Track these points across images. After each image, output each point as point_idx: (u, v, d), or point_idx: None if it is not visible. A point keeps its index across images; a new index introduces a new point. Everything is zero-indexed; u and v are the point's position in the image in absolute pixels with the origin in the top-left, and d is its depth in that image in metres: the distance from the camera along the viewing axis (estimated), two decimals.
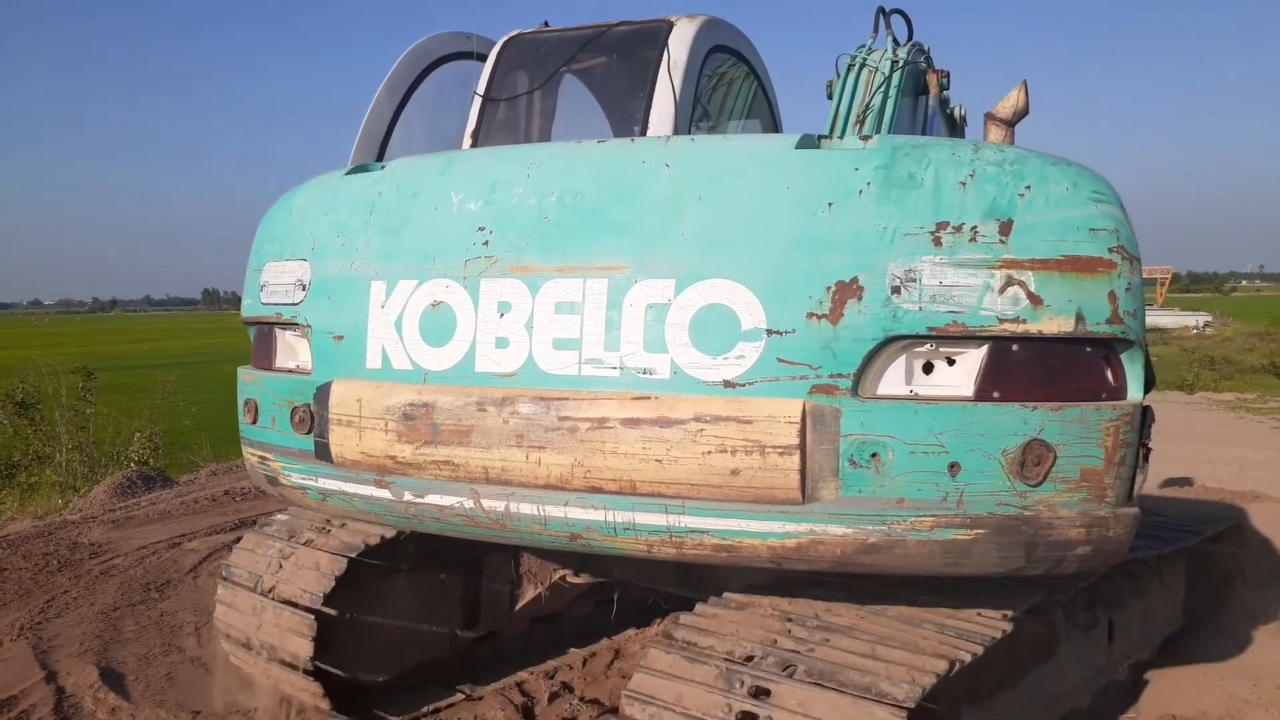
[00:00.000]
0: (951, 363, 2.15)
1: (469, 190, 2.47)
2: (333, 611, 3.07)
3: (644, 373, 2.20)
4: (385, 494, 2.55)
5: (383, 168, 2.76)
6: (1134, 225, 2.17)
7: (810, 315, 2.12)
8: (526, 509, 2.32)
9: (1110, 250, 2.08)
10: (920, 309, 2.08)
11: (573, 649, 4.03)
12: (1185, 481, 8.07)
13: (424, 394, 2.43)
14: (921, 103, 4.51)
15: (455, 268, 2.41)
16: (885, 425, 2.07)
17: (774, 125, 4.71)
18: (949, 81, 4.58)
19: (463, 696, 3.61)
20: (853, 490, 2.09)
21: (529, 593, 3.82)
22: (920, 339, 2.10)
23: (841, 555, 2.12)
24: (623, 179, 2.34)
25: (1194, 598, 4.52)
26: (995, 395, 2.08)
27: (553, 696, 3.67)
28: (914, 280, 2.07)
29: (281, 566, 3.23)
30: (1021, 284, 2.05)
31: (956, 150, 2.17)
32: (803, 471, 2.10)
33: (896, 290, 2.08)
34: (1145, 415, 2.16)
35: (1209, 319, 37.54)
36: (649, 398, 2.19)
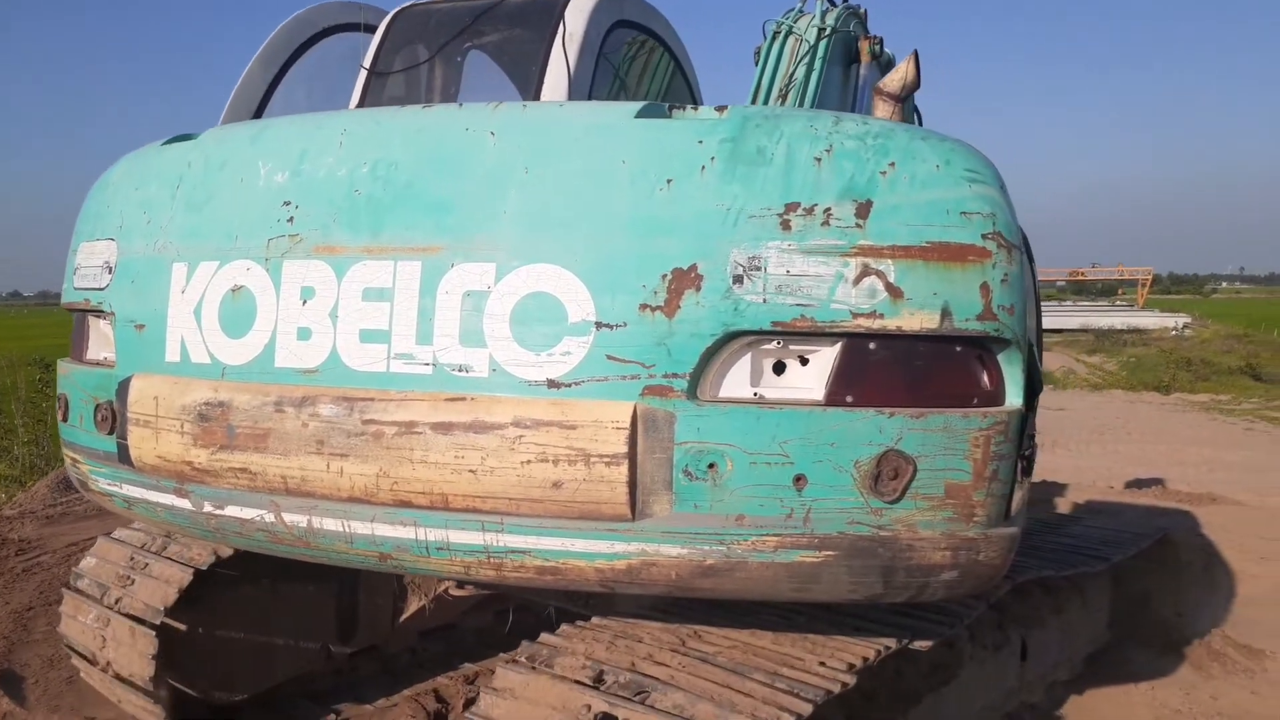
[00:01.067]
0: (804, 363, 1.91)
1: (276, 160, 2.19)
2: (182, 626, 2.83)
3: (459, 370, 1.95)
4: (186, 504, 2.29)
5: (196, 137, 2.47)
6: (1014, 208, 1.96)
7: (643, 307, 1.87)
8: (330, 525, 2.06)
9: (984, 237, 1.86)
10: (764, 301, 1.84)
11: (466, 664, 3.81)
12: (1152, 483, 8.18)
13: (220, 392, 2.17)
14: (853, 72, 4.28)
15: (257, 248, 2.14)
16: (724, 432, 1.84)
17: (696, 101, 4.51)
18: (881, 48, 4.33)
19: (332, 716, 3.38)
20: (688, 505, 1.85)
21: (413, 605, 3.61)
22: (767, 335, 1.86)
23: (677, 579, 1.89)
24: (443, 149, 2.08)
25: (1122, 610, 4.37)
26: (848, 400, 1.85)
27: (438, 716, 3.45)
28: (758, 269, 1.83)
29: (129, 576, 3.00)
30: (880, 274, 1.82)
31: (815, 122, 1.94)
32: (632, 484, 1.86)
33: (739, 280, 1.84)
34: (1024, 424, 1.94)
35: (1188, 321, 37.83)
36: (464, 399, 1.94)
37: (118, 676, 2.89)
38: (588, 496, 1.87)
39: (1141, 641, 4.39)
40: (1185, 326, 36.38)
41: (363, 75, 3.48)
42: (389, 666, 3.76)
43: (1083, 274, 56.28)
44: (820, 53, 4.01)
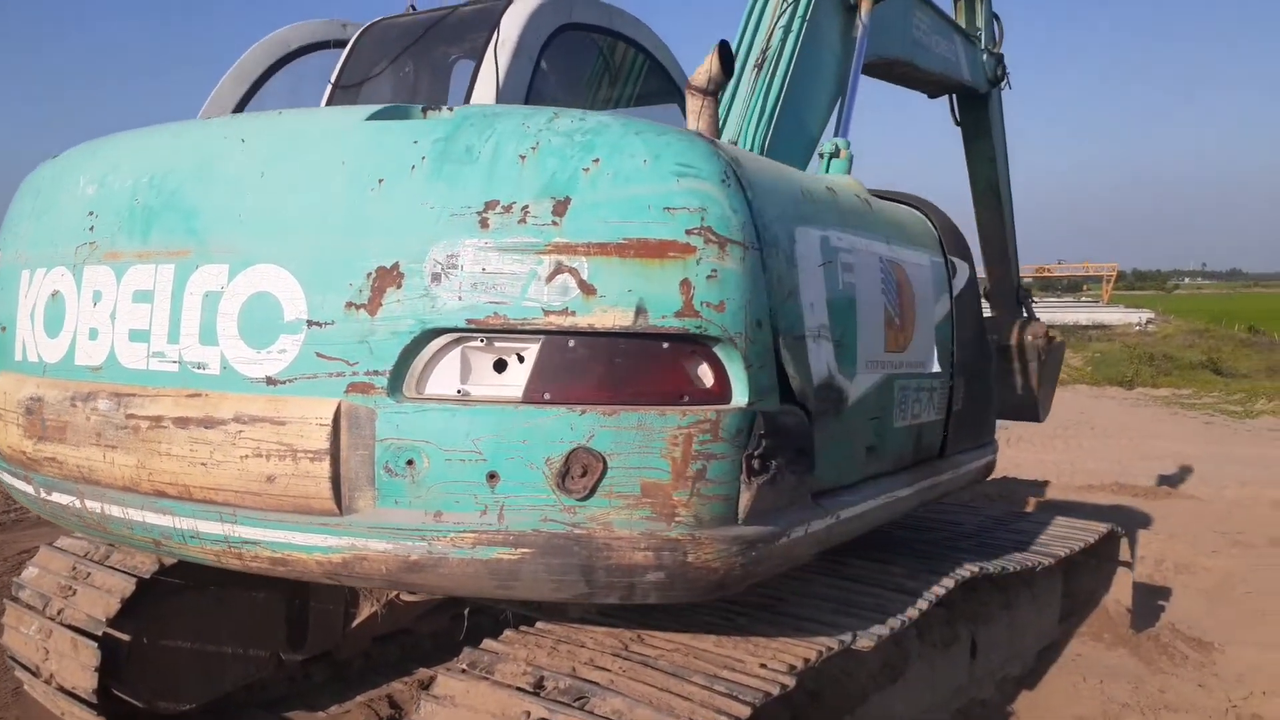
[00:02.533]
0: (515, 361, 1.93)
1: (91, 174, 2.37)
2: (125, 637, 2.82)
3: (198, 368, 2.06)
4: (30, 489, 2.50)
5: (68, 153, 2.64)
6: (749, 204, 1.92)
7: (349, 305, 1.90)
8: (116, 512, 2.22)
9: (689, 232, 1.83)
10: (460, 299, 1.84)
11: (421, 669, 3.77)
12: (1111, 479, 8.16)
13: (40, 388, 2.36)
14: (854, 27, 4.07)
15: (69, 255, 2.32)
16: (422, 429, 1.88)
17: (682, 100, 4.45)
18: None
19: None
20: (389, 501, 1.90)
21: (364, 610, 3.58)
22: (469, 333, 1.89)
23: (388, 573, 1.94)
24: (203, 157, 2.20)
25: (1072, 606, 4.43)
26: (545, 397, 1.86)
27: None
28: (455, 266, 1.85)
29: (70, 586, 2.99)
30: (573, 271, 1.81)
31: (529, 120, 1.96)
32: (336, 480, 1.92)
33: (436, 278, 1.85)
34: (756, 423, 1.91)
35: (1151, 316, 38.22)
36: (200, 395, 2.04)
37: (61, 689, 2.92)
38: (298, 491, 1.94)
39: (1093, 636, 4.37)
40: (1149, 322, 36.75)
41: (328, 91, 3.55)
42: (342, 672, 3.81)
43: (1049, 270, 56.88)
44: (801, 12, 3.80)
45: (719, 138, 2.41)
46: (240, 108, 3.76)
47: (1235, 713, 3.80)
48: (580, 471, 1.79)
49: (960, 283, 3.10)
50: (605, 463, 1.79)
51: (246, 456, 1.96)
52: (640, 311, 1.81)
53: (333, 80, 3.70)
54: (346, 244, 1.93)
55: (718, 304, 1.84)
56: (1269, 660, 4.29)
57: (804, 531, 2.09)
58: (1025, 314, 6.18)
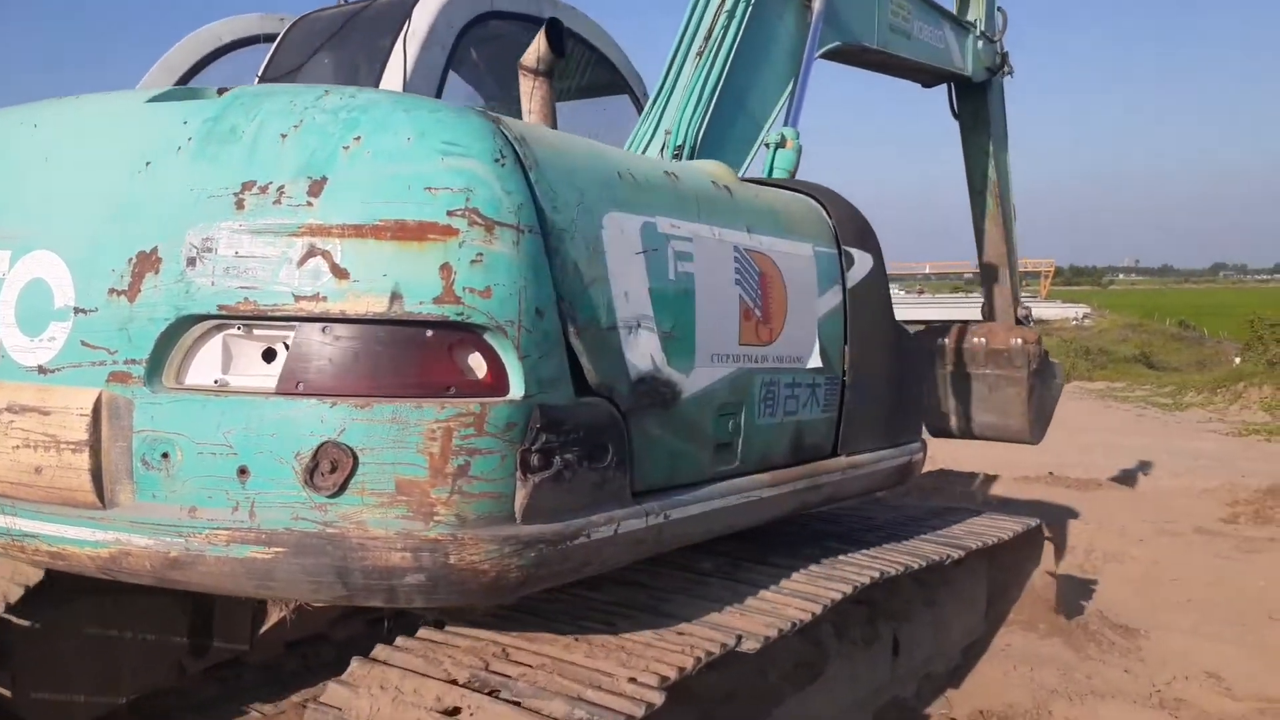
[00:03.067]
0: (273, 350, 1.87)
1: None
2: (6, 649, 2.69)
3: None
4: None
5: None
6: (530, 186, 1.83)
7: (112, 291, 1.85)
8: None
9: (452, 214, 1.74)
10: (213, 284, 1.77)
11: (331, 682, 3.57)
12: (1045, 470, 8.29)
13: None
14: (808, 13, 4.02)
15: None
16: (176, 421, 1.81)
17: (631, 92, 4.36)
18: None
19: None
20: (147, 495, 1.84)
21: (273, 615, 3.41)
22: (225, 320, 1.82)
23: (153, 569, 1.86)
24: (5, 143, 2.16)
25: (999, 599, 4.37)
26: (299, 388, 1.77)
27: None
28: (210, 250, 1.78)
29: None
30: (326, 254, 1.73)
31: (298, 98, 1.88)
32: (96, 472, 1.86)
33: (192, 262, 1.78)
34: (533, 416, 1.80)
35: (1087, 311, 39.17)
36: None
37: None
38: (64, 483, 1.89)
39: (1024, 626, 4.33)
40: (1085, 316, 37.73)
41: (254, 85, 3.54)
42: (277, 674, 3.67)
43: None
44: None
45: (553, 120, 2.32)
46: None
47: (1159, 697, 3.89)
48: (329, 467, 1.70)
49: (859, 275, 2.98)
50: (356, 458, 1.70)
51: (18, 447, 1.92)
52: (396, 297, 1.72)
53: (259, 74, 3.70)
54: (114, 229, 1.88)
55: (483, 290, 1.74)
56: (1193, 646, 4.40)
57: (613, 531, 1.98)
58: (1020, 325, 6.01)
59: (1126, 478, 8.61)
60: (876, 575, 2.82)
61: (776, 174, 3.77)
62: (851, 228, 3.01)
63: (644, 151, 3.70)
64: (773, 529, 3.14)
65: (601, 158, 2.10)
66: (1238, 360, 19.65)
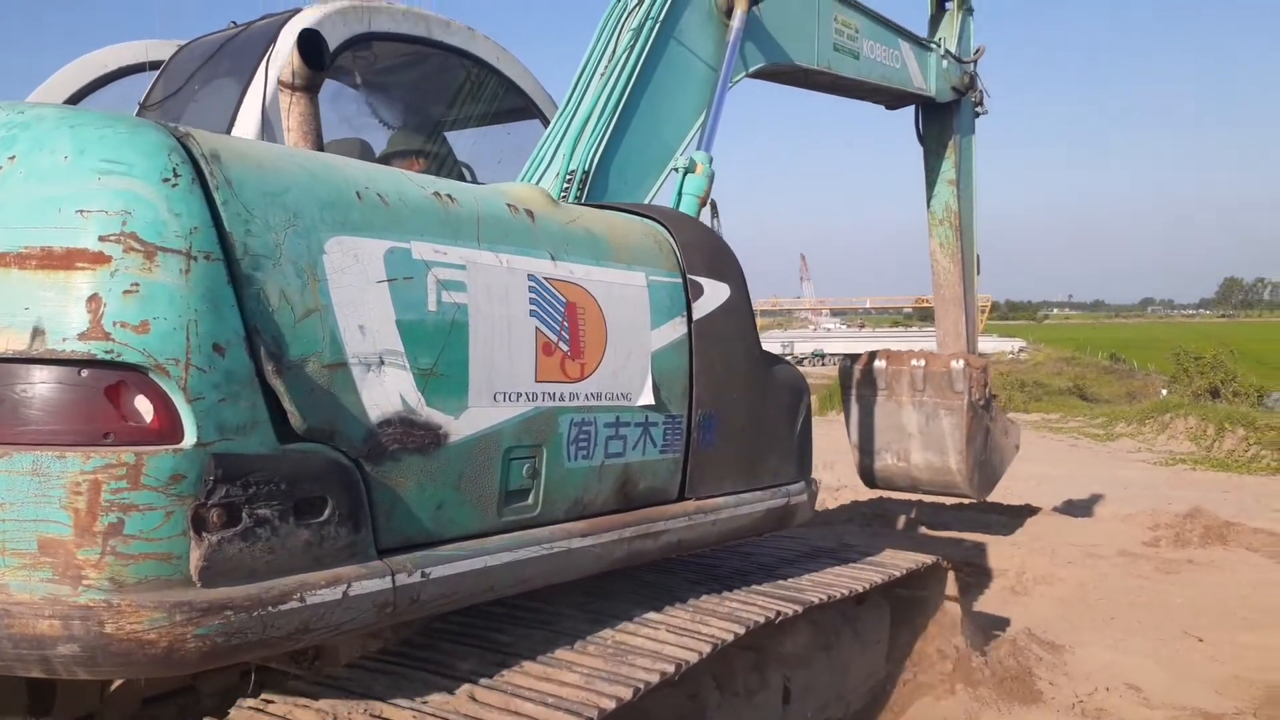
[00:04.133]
0: None
1: None
2: None
3: None
4: None
5: None
6: (212, 208, 1.63)
7: None
8: None
9: (104, 239, 1.53)
10: None
11: None
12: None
13: None
14: (730, 27, 3.83)
15: None
16: None
17: (542, 116, 4.13)
18: None
19: None
20: None
21: None
22: None
23: None
24: None
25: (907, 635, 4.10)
26: None
27: None
28: None
29: None
30: None
31: None
32: None
33: None
34: (208, 467, 1.57)
35: (1023, 345, 40.04)
36: None
37: None
38: None
39: (942, 654, 4.10)
40: (1021, 350, 38.56)
41: (135, 112, 3.51)
42: None
43: (926, 300, 59.91)
44: (652, 12, 3.57)
45: (315, 137, 2.08)
46: None
47: (1081, 708, 4.07)
48: None
49: (710, 305, 2.73)
50: None
51: None
52: (38, 333, 1.52)
53: (141, 100, 3.61)
54: None
55: (138, 324, 1.53)
56: (1114, 659, 4.62)
57: (341, 593, 1.74)
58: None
59: (1058, 505, 8.78)
60: (737, 632, 2.54)
61: (685, 200, 3.62)
62: (701, 255, 2.77)
63: (539, 178, 3.51)
64: (644, 573, 2.89)
65: (333, 177, 1.87)
66: (1164, 392, 20.08)
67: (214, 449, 1.56)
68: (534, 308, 2.16)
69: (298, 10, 3.43)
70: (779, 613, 2.72)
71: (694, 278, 2.70)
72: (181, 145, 1.62)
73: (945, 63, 5.93)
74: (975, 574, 6.16)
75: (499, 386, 2.06)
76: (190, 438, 1.55)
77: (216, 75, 3.61)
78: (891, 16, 5.34)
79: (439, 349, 1.92)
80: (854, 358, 6.04)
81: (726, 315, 2.78)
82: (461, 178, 4.36)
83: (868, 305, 65.24)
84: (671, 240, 2.72)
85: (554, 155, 3.52)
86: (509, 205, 2.22)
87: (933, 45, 5.86)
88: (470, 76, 4.09)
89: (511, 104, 4.24)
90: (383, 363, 1.82)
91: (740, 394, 2.83)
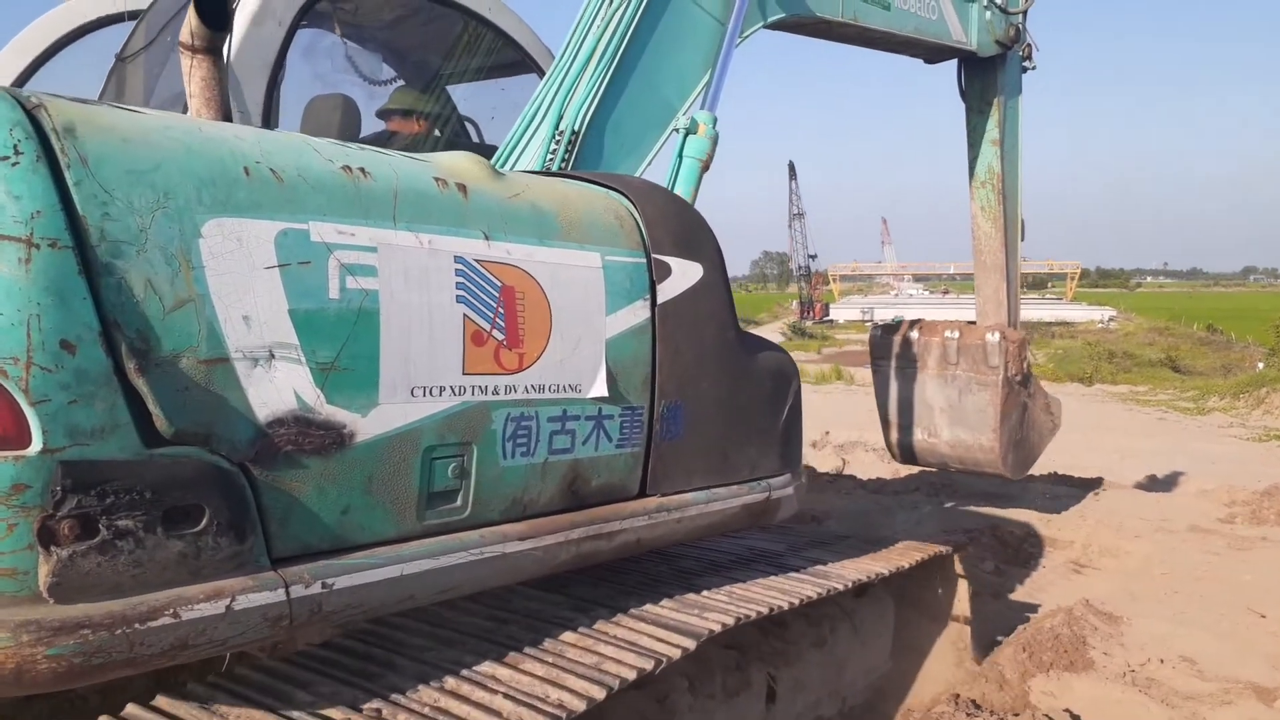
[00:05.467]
0: None
1: None
2: None
3: None
4: None
5: None
6: (59, 188, 1.48)
7: None
8: None
9: None
10: None
11: None
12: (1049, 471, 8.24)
13: None
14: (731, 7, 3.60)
15: None
16: None
17: (540, 70, 4.00)
18: None
19: None
20: None
21: None
22: None
23: None
24: None
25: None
26: None
27: None
28: None
29: None
30: None
31: None
32: None
33: None
34: (55, 475, 1.44)
35: (1114, 314, 38.31)
36: None
37: None
38: None
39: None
40: (1111, 319, 36.87)
41: (112, 64, 3.42)
42: None
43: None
44: None
45: (220, 104, 1.95)
46: (26, 76, 3.52)
47: (1132, 677, 4.06)
48: None
49: (679, 287, 2.53)
50: None
51: None
52: None
53: (118, 53, 3.51)
54: None
55: None
56: (1171, 632, 4.55)
57: (224, 607, 1.61)
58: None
59: (1132, 478, 8.56)
60: (699, 636, 2.37)
61: (685, 163, 3.40)
62: (670, 232, 2.56)
63: (529, 138, 3.35)
64: (631, 564, 2.76)
65: (217, 151, 1.70)
66: (1261, 365, 18.93)
67: (63, 455, 1.43)
68: (462, 293, 1.99)
69: None
70: (738, 618, 2.53)
71: (660, 257, 2.49)
72: (29, 117, 1.47)
73: (989, 14, 5.49)
74: (1038, 546, 6.11)
75: (418, 380, 1.90)
76: (36, 444, 1.42)
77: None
78: None
79: (342, 341, 1.76)
80: (886, 326, 5.82)
81: (697, 297, 2.57)
82: (465, 134, 4.22)
83: (952, 271, 63.07)
84: (635, 216, 2.51)
85: (545, 113, 3.32)
86: (436, 179, 2.04)
87: None
88: (460, 29, 3.89)
89: (507, 58, 4.03)
90: (273, 357, 1.66)
91: (712, 382, 2.63)
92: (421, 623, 2.28)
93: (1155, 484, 8.37)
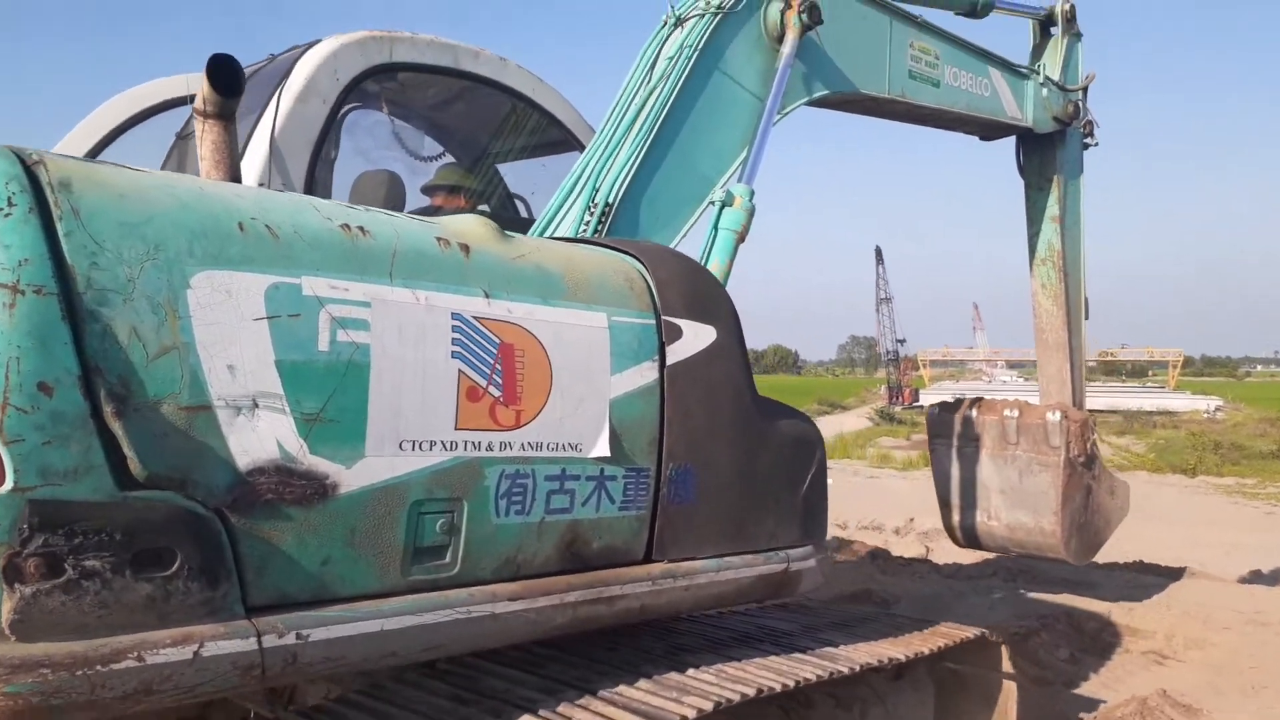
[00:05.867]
0: None
1: None
2: None
3: None
4: None
5: None
6: (48, 239, 1.55)
7: None
8: None
9: None
10: None
11: None
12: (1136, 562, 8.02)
13: None
14: (776, 60, 3.69)
15: None
16: None
17: (582, 147, 4.18)
18: (815, 14, 3.70)
19: None
20: None
21: None
22: None
23: None
24: None
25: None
26: None
27: None
28: None
29: None
30: None
31: None
32: None
33: None
34: (23, 513, 1.47)
35: (1220, 403, 36.27)
36: None
37: None
38: None
39: None
40: (1217, 409, 34.95)
41: (171, 143, 3.63)
42: None
43: (1113, 354, 55.52)
44: (691, 39, 3.45)
45: (229, 166, 2.05)
46: (94, 154, 3.68)
47: None
48: None
49: (690, 349, 2.52)
50: None
51: None
52: None
53: (178, 131, 3.70)
54: None
55: None
56: None
57: (191, 653, 1.61)
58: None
59: (1224, 570, 8.23)
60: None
61: (720, 235, 3.44)
62: (682, 295, 2.55)
63: (567, 211, 3.44)
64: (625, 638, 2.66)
65: (211, 208, 1.77)
66: None
67: (34, 494, 1.47)
68: (458, 349, 2.01)
69: (317, 41, 3.44)
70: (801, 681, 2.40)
71: (671, 319, 2.48)
72: (27, 172, 1.56)
73: (1045, 90, 5.47)
74: (1117, 635, 5.88)
75: (408, 435, 1.91)
76: (8, 482, 1.46)
77: (242, 106, 3.75)
78: (989, 47, 4.98)
79: (329, 393, 1.79)
80: (945, 404, 5.68)
81: (711, 360, 2.54)
82: (514, 210, 4.35)
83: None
84: (646, 278, 2.52)
85: (583, 186, 3.41)
86: (438, 239, 2.09)
87: (1029, 72, 5.44)
88: (505, 108, 4.04)
89: (550, 136, 4.16)
90: (256, 406, 1.70)
91: (726, 447, 2.57)
92: (378, 700, 2.22)
93: (1259, 578, 7.95)
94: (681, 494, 2.45)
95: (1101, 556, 7.86)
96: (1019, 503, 5.17)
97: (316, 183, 3.38)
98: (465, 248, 2.14)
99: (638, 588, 2.36)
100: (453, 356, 2.00)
